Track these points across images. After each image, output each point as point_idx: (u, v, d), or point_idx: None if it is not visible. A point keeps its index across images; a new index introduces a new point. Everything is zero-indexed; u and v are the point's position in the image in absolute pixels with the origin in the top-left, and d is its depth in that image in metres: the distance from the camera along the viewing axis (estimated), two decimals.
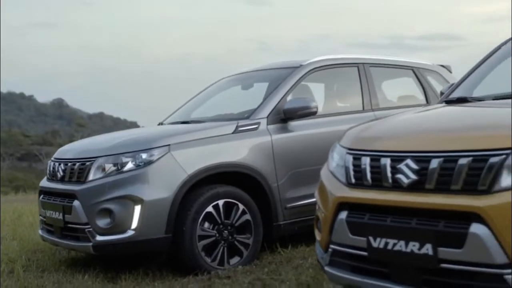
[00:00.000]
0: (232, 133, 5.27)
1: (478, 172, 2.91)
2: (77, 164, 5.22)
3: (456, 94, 4.42)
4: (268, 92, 5.72)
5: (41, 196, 5.64)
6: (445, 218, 2.97)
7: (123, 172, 4.95)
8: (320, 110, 5.89)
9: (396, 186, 3.20)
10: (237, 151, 5.21)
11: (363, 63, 6.17)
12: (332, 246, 3.54)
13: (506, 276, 2.81)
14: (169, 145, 4.99)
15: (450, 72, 6.96)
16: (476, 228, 2.85)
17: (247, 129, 5.34)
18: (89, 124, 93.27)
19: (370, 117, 5.13)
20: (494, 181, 2.87)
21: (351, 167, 3.48)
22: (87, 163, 5.12)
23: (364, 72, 6.12)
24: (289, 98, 5.68)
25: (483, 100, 4.09)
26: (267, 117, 5.46)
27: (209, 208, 5.00)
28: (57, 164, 5.52)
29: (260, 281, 4.52)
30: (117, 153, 5.03)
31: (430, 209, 3.03)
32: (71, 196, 5.11)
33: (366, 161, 3.39)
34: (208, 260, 4.97)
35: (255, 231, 5.19)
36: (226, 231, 5.06)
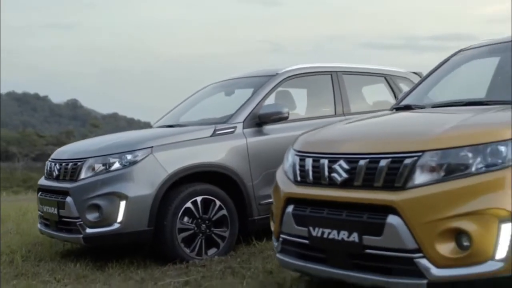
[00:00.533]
0: (210, 136, 5.80)
1: (395, 172, 3.43)
2: (70, 164, 5.78)
3: (405, 102, 4.93)
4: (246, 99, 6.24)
5: (39, 193, 6.20)
6: (368, 210, 3.49)
7: (110, 171, 5.50)
8: (296, 115, 6.44)
9: (331, 183, 3.72)
10: (214, 153, 5.74)
11: (336, 71, 6.67)
12: (282, 235, 4.06)
13: (416, 260, 3.32)
14: (152, 147, 5.53)
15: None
16: (392, 219, 3.37)
17: (224, 132, 5.87)
18: (103, 125, 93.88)
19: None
20: (408, 179, 3.39)
21: (298, 167, 4.01)
22: (79, 163, 5.67)
23: (337, 80, 6.61)
24: (266, 103, 6.20)
25: (423, 108, 4.60)
26: (243, 121, 5.97)
27: (188, 204, 5.53)
28: (53, 164, 6.08)
29: (231, 269, 5.04)
30: (105, 154, 5.59)
31: (357, 203, 3.55)
32: (65, 193, 5.67)
33: (309, 162, 3.91)
34: (187, 251, 5.50)
35: (231, 225, 5.71)
36: (204, 225, 5.58)
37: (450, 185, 3.29)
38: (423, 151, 3.39)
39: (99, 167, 5.57)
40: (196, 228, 5.55)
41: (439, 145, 3.39)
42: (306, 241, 3.83)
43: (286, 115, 5.98)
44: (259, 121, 6.00)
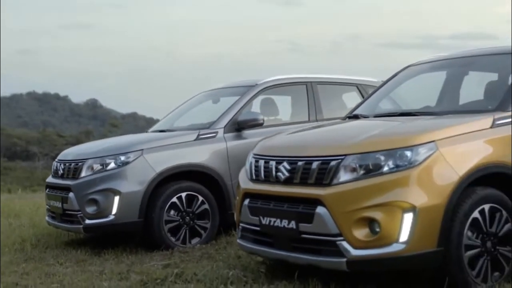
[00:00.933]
0: (194, 140, 6.64)
1: (323, 171, 4.25)
2: (73, 164, 6.66)
3: (356, 111, 5.73)
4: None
5: (47, 190, 7.08)
6: (303, 203, 4.31)
7: (107, 170, 6.36)
8: (276, 121, 7.27)
9: (278, 180, 4.54)
10: (197, 154, 6.57)
11: (311, 82, 7.47)
12: (241, 224, 4.89)
13: (338, 242, 4.13)
14: (142, 149, 6.39)
15: None
16: (319, 209, 4.18)
17: (207, 136, 6.70)
18: (122, 124, 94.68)
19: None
20: (333, 177, 4.20)
21: (253, 167, 4.83)
22: (80, 163, 6.55)
23: (312, 89, 7.41)
24: (247, 110, 7.03)
25: (367, 117, 5.40)
26: (224, 127, 6.80)
27: (174, 199, 6.37)
28: (59, 164, 6.96)
29: (207, 254, 5.87)
30: (103, 156, 6.46)
31: (295, 197, 4.37)
32: (68, 189, 6.54)
33: (261, 163, 4.74)
34: (173, 239, 6.33)
35: (212, 218, 6.53)
36: (188, 217, 6.42)
37: (366, 182, 4.10)
38: (345, 155, 4.20)
39: (97, 166, 6.44)
40: (181, 220, 6.39)
41: (359, 150, 4.21)
42: (258, 228, 4.66)
43: (262, 121, 6.79)
44: (238, 127, 6.82)
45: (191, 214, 6.45)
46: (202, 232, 6.49)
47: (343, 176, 4.19)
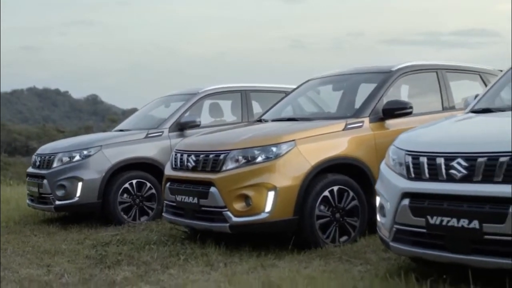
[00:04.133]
0: (144, 138, 8.27)
1: (216, 161, 5.88)
2: (47, 157, 8.32)
3: (263, 116, 7.36)
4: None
5: (28, 178, 8.73)
6: (202, 184, 5.94)
7: (73, 162, 8.02)
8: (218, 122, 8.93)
9: (187, 168, 6.18)
10: (146, 149, 8.20)
11: (245, 90, 9.09)
12: (165, 201, 6.54)
13: (224, 212, 5.77)
14: (101, 145, 8.04)
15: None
16: (212, 189, 5.82)
17: (155, 135, 8.33)
18: (122, 120, 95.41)
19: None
20: (222, 166, 5.83)
21: (173, 159, 6.47)
22: (52, 156, 8.21)
23: (245, 96, 9.03)
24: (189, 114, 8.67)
25: (267, 121, 7.02)
26: (169, 127, 8.44)
27: (126, 185, 8.02)
28: (37, 157, 8.62)
29: (149, 228, 7.51)
30: (70, 150, 8.13)
31: (197, 180, 6.02)
32: (43, 177, 8.20)
33: (178, 156, 6.38)
34: (125, 217, 7.96)
35: (158, 200, 8.14)
36: (138, 200, 8.06)
37: (244, 169, 5.74)
38: (231, 150, 5.85)
39: (65, 159, 8.09)
40: (132, 202, 8.02)
41: (240, 146, 5.85)
42: (174, 204, 6.31)
43: (198, 123, 8.43)
44: (180, 127, 8.45)
45: (140, 197, 8.09)
46: (150, 211, 8.12)
47: (229, 165, 5.83)
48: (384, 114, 6.30)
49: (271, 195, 5.65)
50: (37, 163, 8.54)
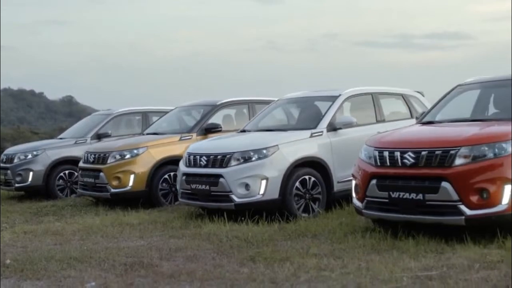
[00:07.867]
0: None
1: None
2: (10, 156, 12.70)
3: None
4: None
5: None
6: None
7: (27, 158, 12.38)
8: None
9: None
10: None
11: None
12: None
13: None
14: (44, 149, 12.40)
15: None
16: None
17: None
18: None
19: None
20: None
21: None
22: (13, 156, 12.59)
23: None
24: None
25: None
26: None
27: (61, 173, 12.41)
28: (4, 156, 12.98)
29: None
30: (25, 151, 12.51)
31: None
32: (7, 168, 12.55)
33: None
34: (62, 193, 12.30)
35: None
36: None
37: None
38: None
39: (23, 157, 12.47)
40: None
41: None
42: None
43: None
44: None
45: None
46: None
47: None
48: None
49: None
50: (3, 160, 12.89)
